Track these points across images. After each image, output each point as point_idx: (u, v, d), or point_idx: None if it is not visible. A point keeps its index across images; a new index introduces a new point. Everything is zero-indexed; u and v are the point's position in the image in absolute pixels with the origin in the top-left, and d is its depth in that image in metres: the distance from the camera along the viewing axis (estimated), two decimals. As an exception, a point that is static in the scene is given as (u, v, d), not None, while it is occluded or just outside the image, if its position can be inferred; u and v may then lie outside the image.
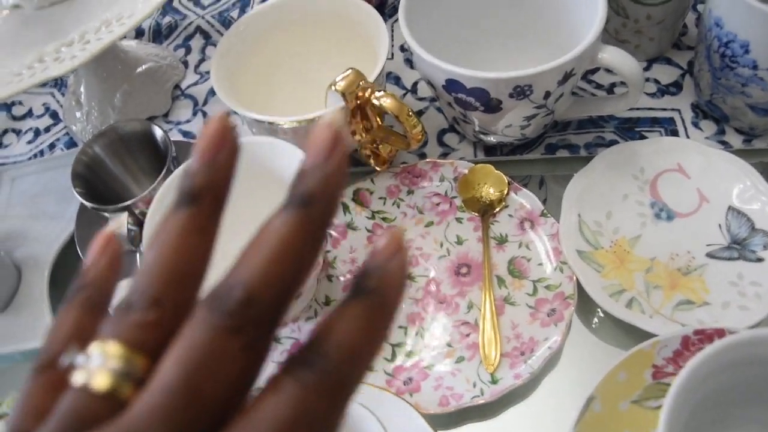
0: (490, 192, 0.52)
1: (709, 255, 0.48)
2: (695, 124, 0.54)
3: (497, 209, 0.51)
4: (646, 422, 0.41)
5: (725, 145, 0.53)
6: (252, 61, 0.54)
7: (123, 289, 0.18)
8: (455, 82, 0.46)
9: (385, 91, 0.48)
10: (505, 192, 0.51)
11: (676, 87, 0.57)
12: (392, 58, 0.62)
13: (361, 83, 0.47)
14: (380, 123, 0.50)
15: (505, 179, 0.52)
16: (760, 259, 0.47)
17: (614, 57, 0.46)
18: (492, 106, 0.47)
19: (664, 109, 0.56)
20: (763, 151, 0.53)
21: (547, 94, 0.46)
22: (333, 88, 0.47)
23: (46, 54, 0.49)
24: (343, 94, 0.47)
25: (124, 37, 0.55)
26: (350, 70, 0.47)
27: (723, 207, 0.49)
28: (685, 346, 0.41)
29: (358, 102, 0.48)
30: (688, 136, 0.54)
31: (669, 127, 0.55)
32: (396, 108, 0.47)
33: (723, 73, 0.49)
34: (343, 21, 0.54)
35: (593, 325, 0.48)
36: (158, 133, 0.52)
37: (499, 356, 0.45)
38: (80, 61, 0.46)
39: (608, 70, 0.57)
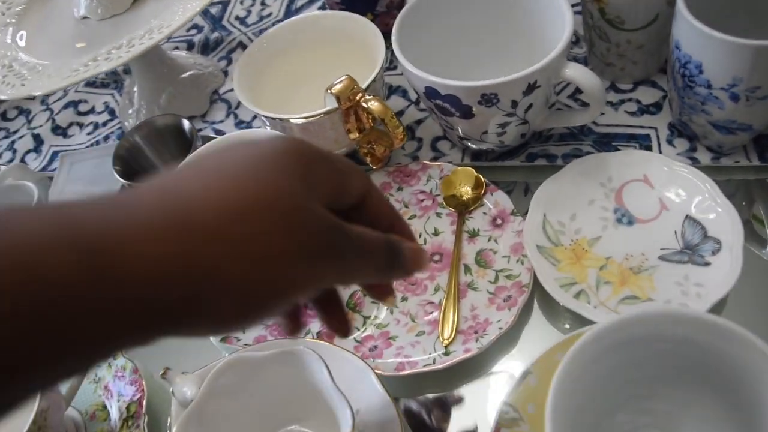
0: (468, 191, 0.58)
1: (662, 258, 0.52)
2: (669, 142, 0.59)
3: (472, 207, 0.57)
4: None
5: (694, 161, 0.57)
6: (271, 70, 0.63)
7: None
8: (432, 89, 0.53)
9: (374, 96, 0.55)
10: (482, 192, 0.57)
11: (656, 107, 0.61)
12: (402, 74, 0.69)
13: (354, 88, 0.55)
14: (371, 124, 0.57)
15: (483, 181, 0.57)
16: (707, 264, 0.50)
17: (576, 73, 0.52)
18: (465, 112, 0.53)
19: (642, 127, 0.60)
20: (730, 168, 0.56)
21: (514, 104, 0.52)
22: (329, 91, 0.55)
23: (99, 55, 0.58)
24: (338, 97, 0.54)
25: (171, 43, 0.64)
26: (345, 77, 0.55)
27: (681, 215, 0.53)
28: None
29: (351, 104, 0.55)
30: (660, 152, 0.58)
31: (644, 143, 0.59)
32: (381, 111, 0.54)
33: (685, 92, 0.53)
34: (349, 36, 0.62)
35: (550, 314, 0.53)
36: (186, 125, 0.61)
37: (454, 332, 0.50)
38: (123, 61, 0.56)
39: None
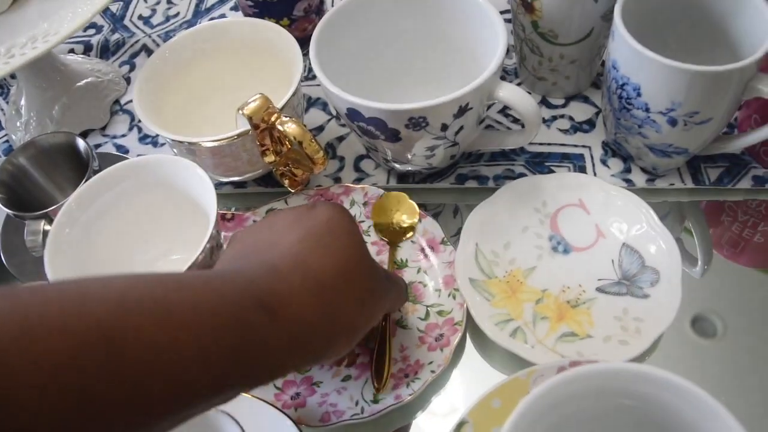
0: (402, 219, 0.53)
1: (599, 289, 0.49)
2: (603, 162, 0.56)
3: (406, 237, 0.53)
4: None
5: (629, 183, 0.55)
6: (176, 85, 0.56)
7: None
8: (355, 111, 0.48)
9: (292, 117, 0.49)
10: (417, 221, 0.53)
11: (589, 125, 0.59)
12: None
13: (268, 108, 0.49)
14: (289, 147, 0.52)
15: (417, 209, 0.53)
16: (646, 296, 0.48)
17: (510, 94, 0.48)
18: (391, 135, 0.49)
19: (576, 146, 0.57)
20: (665, 190, 0.55)
21: (444, 127, 0.48)
22: (241, 111, 0.49)
23: (-28, 66, 0.51)
24: (250, 119, 0.49)
25: (65, 45, 0.57)
26: (258, 95, 0.49)
27: (618, 243, 0.51)
28: (560, 376, 0.42)
29: (266, 126, 0.50)
30: (595, 173, 0.56)
31: (578, 163, 0.56)
32: (299, 134, 0.49)
33: (622, 113, 0.51)
34: (264, 47, 0.56)
35: (484, 352, 0.49)
36: (81, 145, 0.54)
37: (388, 377, 0.46)
38: (1, 74, 0.49)
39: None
